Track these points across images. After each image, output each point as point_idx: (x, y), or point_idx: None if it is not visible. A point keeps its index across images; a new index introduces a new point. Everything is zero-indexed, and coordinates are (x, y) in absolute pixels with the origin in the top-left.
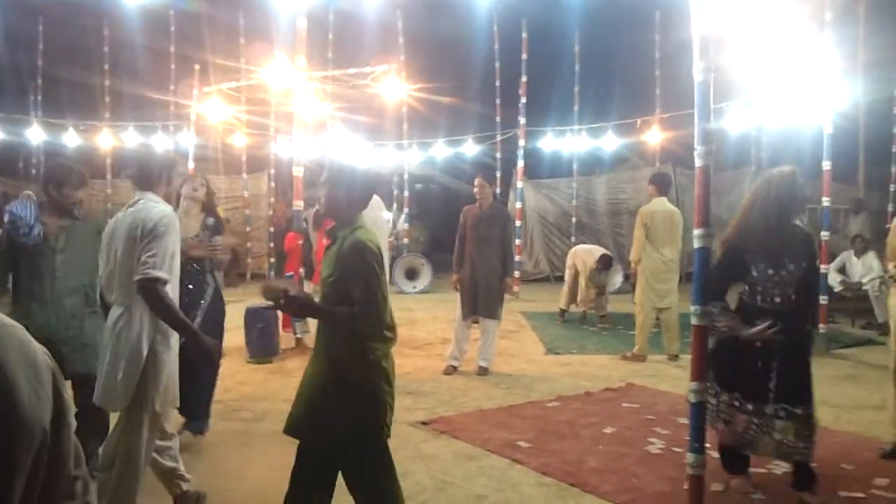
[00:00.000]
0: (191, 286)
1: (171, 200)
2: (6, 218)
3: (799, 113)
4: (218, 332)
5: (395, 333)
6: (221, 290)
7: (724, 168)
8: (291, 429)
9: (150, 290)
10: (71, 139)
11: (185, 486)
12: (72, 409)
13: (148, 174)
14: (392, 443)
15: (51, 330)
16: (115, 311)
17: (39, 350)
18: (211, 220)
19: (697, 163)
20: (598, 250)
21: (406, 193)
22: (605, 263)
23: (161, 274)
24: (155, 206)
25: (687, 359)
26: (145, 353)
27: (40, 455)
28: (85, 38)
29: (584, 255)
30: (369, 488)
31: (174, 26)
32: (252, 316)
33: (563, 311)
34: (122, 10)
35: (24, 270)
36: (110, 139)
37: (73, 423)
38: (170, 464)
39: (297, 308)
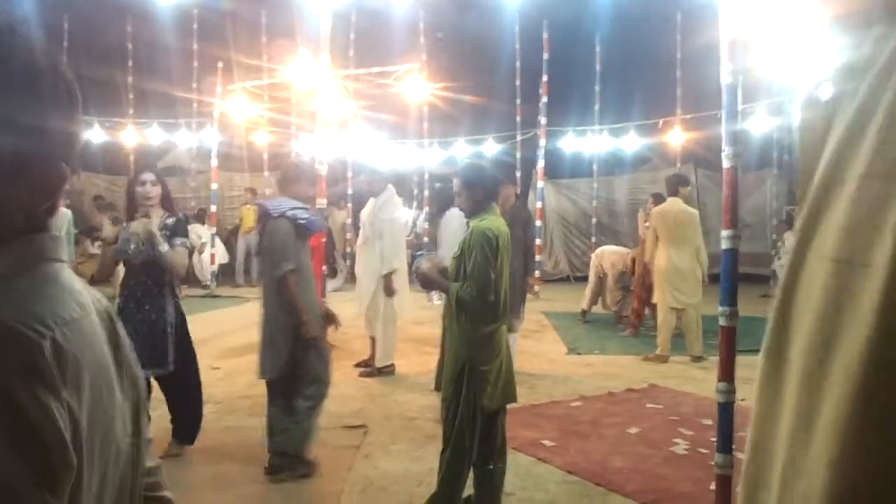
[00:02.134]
0: (147, 307)
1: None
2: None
3: None
4: (191, 356)
5: (500, 314)
6: (179, 299)
7: (748, 169)
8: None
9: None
10: (96, 135)
11: None
12: None
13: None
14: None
15: None
16: None
17: None
18: (171, 220)
19: (725, 164)
20: (626, 252)
21: (426, 192)
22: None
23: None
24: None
25: (711, 360)
26: None
27: None
28: (109, 35)
29: (612, 256)
30: (447, 446)
31: (197, 24)
32: None
33: (584, 312)
34: (146, 8)
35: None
36: (135, 135)
37: None
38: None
39: (421, 280)
